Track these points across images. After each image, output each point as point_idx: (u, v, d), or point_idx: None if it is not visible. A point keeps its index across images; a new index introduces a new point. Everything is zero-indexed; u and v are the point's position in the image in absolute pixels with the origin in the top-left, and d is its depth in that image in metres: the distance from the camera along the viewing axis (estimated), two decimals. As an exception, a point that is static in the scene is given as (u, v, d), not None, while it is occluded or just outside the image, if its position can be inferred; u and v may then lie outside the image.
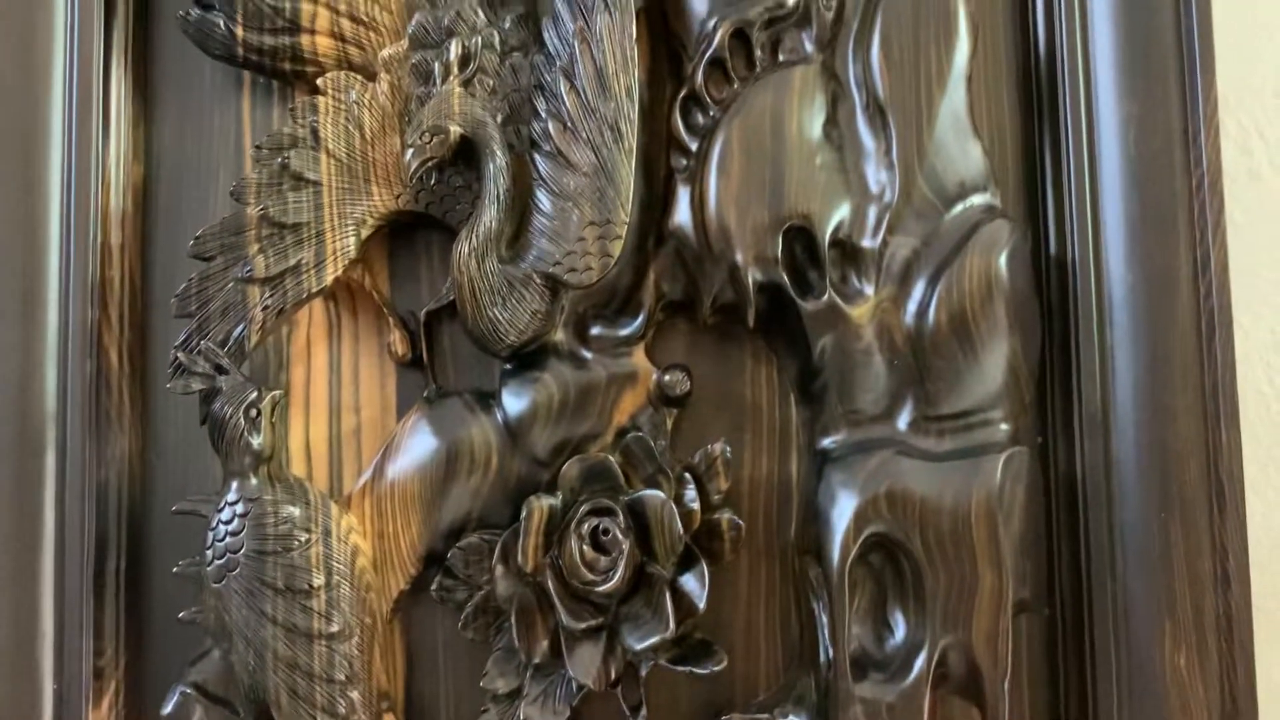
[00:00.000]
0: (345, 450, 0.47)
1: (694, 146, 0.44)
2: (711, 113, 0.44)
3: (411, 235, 0.47)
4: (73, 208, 0.45)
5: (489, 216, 0.43)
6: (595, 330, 0.45)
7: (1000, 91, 0.47)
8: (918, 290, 0.43)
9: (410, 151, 0.43)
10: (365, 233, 0.44)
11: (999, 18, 0.47)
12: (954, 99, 0.43)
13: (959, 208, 0.43)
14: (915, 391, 0.43)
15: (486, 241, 0.43)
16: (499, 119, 0.44)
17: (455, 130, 0.43)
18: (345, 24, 0.45)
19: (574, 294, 0.44)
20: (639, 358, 0.45)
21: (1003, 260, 0.43)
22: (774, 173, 0.43)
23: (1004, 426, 0.43)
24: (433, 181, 0.44)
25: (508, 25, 0.46)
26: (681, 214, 0.44)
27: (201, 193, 0.47)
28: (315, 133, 0.44)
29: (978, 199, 0.43)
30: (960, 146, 0.43)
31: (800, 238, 0.43)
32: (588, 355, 0.45)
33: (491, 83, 0.45)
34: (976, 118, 0.44)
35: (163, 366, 0.46)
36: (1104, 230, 0.45)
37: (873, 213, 0.43)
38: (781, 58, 0.44)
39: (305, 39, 0.45)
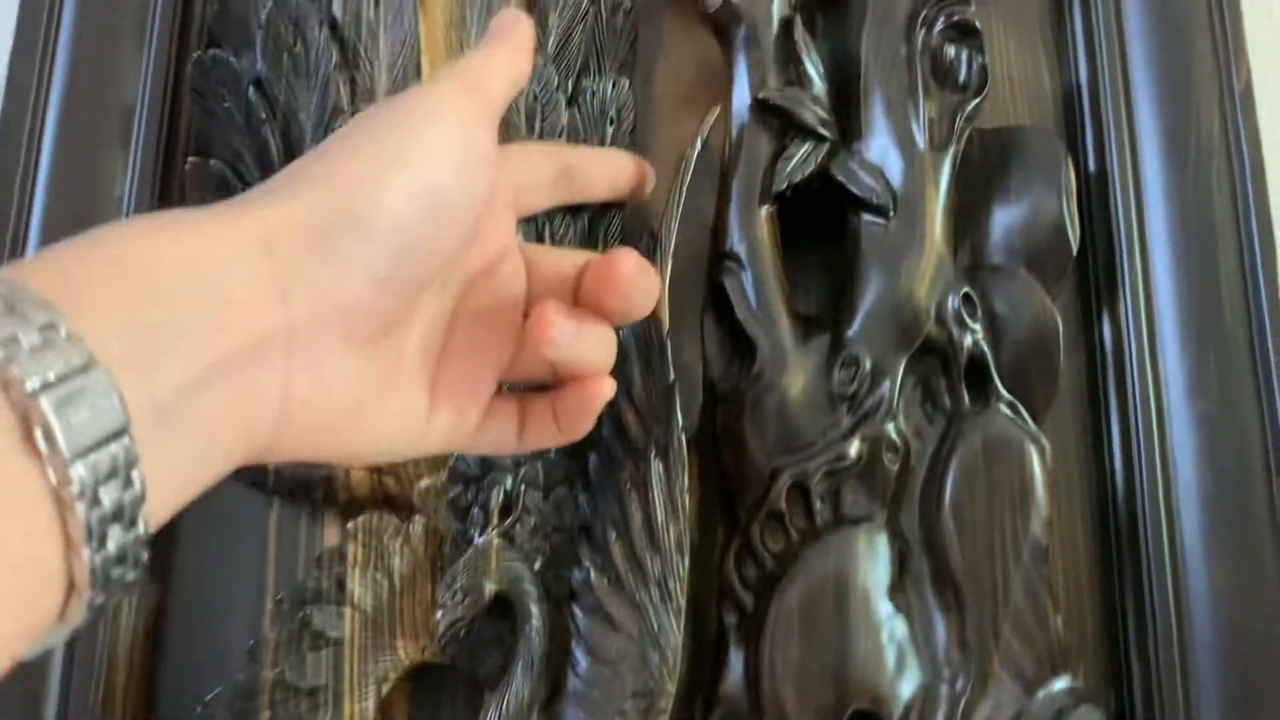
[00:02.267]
0: None
1: (749, 602, 0.41)
2: (768, 567, 0.41)
3: (437, 679, 0.43)
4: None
5: (520, 685, 0.39)
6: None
7: (1078, 556, 0.43)
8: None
9: (441, 611, 0.39)
10: (386, 689, 0.41)
11: (1073, 474, 0.44)
12: (1031, 573, 0.40)
13: (1040, 695, 0.39)
14: None
15: (518, 713, 0.39)
16: (538, 565, 0.41)
17: (490, 589, 0.40)
18: (382, 457, 0.43)
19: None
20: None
21: (1093, 753, 0.38)
22: (838, 647, 0.39)
23: None
24: (462, 634, 0.41)
25: (553, 456, 0.43)
26: (734, 681, 0.40)
27: (220, 623, 0.43)
28: (341, 585, 0.41)
29: (1059, 683, 0.39)
30: (1039, 624, 0.40)
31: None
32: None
33: (533, 520, 0.42)
34: (1054, 591, 0.41)
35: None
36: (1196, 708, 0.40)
37: (944, 696, 0.39)
38: (844, 511, 0.41)
39: (340, 472, 0.43)
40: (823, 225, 0.46)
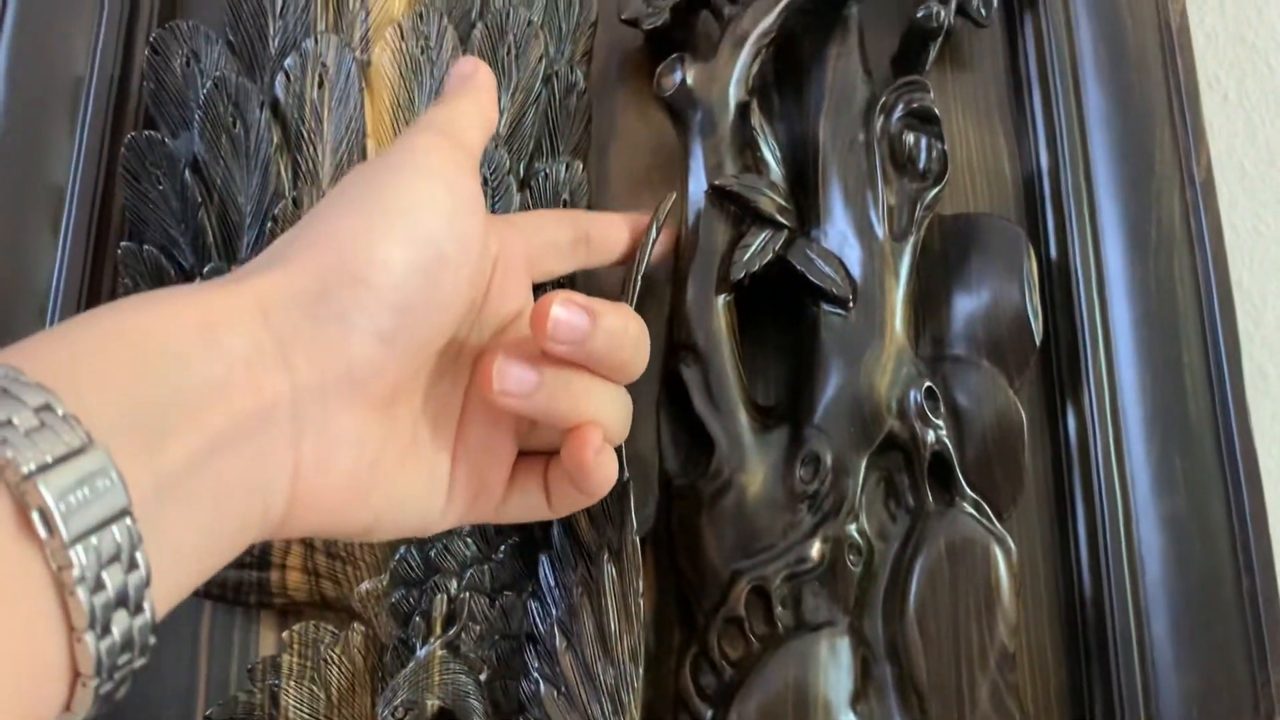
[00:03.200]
0: None
1: (706, 714, 0.39)
2: (726, 676, 0.39)
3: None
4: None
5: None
6: None
7: (1046, 657, 0.42)
8: None
9: (380, 730, 0.37)
10: (320, 812, 0.38)
11: (1040, 571, 0.43)
12: (998, 681, 0.38)
13: (1011, 812, 0.37)
14: None
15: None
16: (484, 675, 0.39)
17: (433, 704, 0.38)
18: (321, 559, 0.41)
19: None
20: None
21: None
22: (798, 764, 0.37)
23: None
24: (404, 751, 0.39)
25: (500, 557, 0.41)
26: (690, 800, 0.38)
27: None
28: (275, 699, 0.38)
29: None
30: (1009, 735, 0.38)
31: (828, 840, 0.37)
32: None
33: (479, 628, 0.40)
34: (1021, 698, 0.39)
35: None
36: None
37: (912, 814, 0.37)
38: (805, 616, 0.40)
39: (275, 574, 0.40)
40: (782, 313, 0.45)
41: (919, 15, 0.46)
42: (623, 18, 0.48)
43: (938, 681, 0.38)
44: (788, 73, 0.48)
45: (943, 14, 0.47)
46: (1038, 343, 0.43)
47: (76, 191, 0.44)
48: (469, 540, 0.41)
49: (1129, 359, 0.44)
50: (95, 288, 0.43)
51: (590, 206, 0.46)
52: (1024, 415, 0.42)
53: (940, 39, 0.47)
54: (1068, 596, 0.43)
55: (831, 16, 0.47)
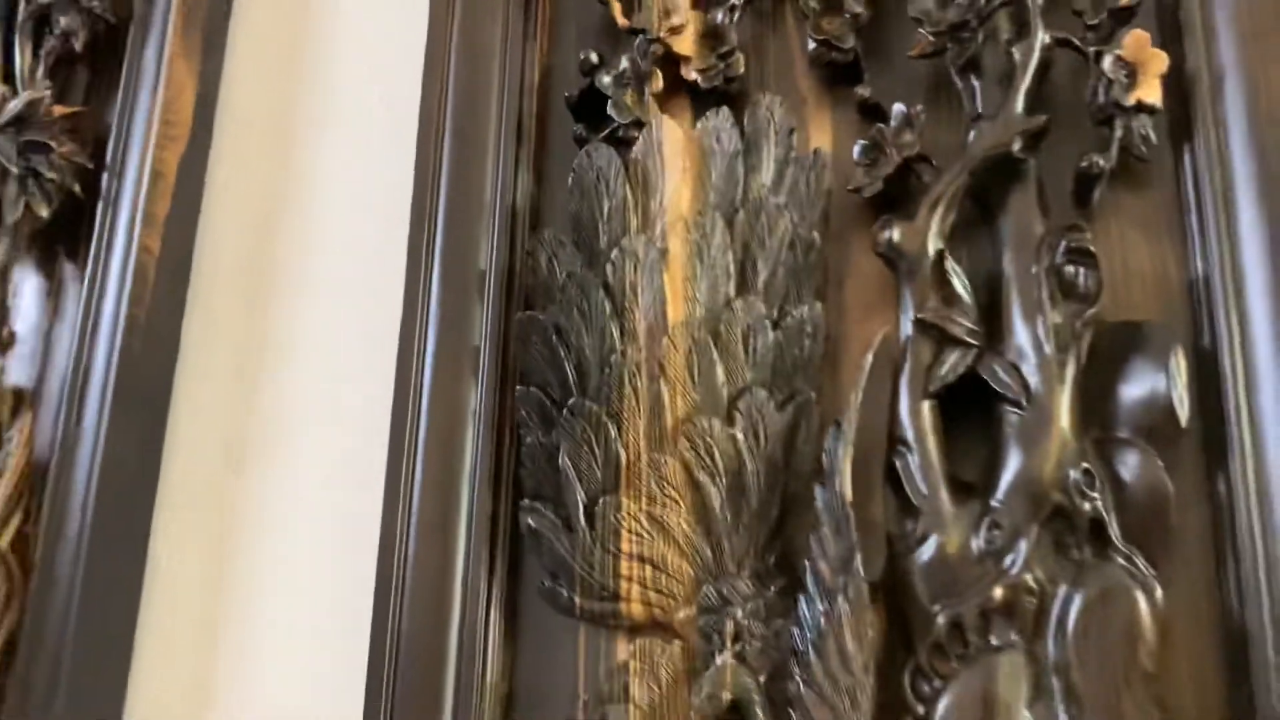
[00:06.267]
0: None
1: (920, 711, 0.55)
2: (935, 684, 0.55)
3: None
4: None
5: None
6: None
7: (1206, 683, 0.54)
8: None
9: (694, 713, 0.56)
10: (656, 766, 0.58)
11: (1201, 608, 0.54)
12: (1141, 694, 0.51)
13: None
14: None
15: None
16: (763, 678, 0.57)
17: (726, 696, 0.56)
18: (652, 596, 0.60)
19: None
20: None
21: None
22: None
23: None
24: (711, 727, 0.58)
25: (771, 594, 0.59)
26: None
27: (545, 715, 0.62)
28: (626, 689, 0.59)
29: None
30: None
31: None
32: None
33: (759, 645, 0.58)
34: (1164, 706, 0.51)
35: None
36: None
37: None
38: (992, 641, 0.54)
39: (624, 606, 0.61)
40: (980, 410, 0.59)
41: (1082, 165, 0.59)
42: (849, 188, 0.64)
43: (1092, 692, 0.51)
44: (980, 216, 0.62)
45: (1101, 163, 0.59)
46: (1183, 425, 0.54)
47: (487, 350, 0.66)
48: (749, 582, 0.59)
49: (1275, 439, 0.54)
50: (501, 418, 0.65)
51: (829, 333, 0.63)
52: (1170, 486, 0.54)
53: (1104, 179, 0.59)
54: (1224, 627, 0.54)
55: (1012, 169, 0.60)
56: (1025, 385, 0.57)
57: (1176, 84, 0.61)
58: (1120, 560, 0.53)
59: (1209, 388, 0.57)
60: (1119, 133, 0.59)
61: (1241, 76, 0.59)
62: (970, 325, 0.58)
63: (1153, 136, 0.59)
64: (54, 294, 0.82)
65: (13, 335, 0.81)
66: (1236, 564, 0.54)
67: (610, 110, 0.67)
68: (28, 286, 0.82)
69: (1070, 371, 0.56)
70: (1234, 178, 0.58)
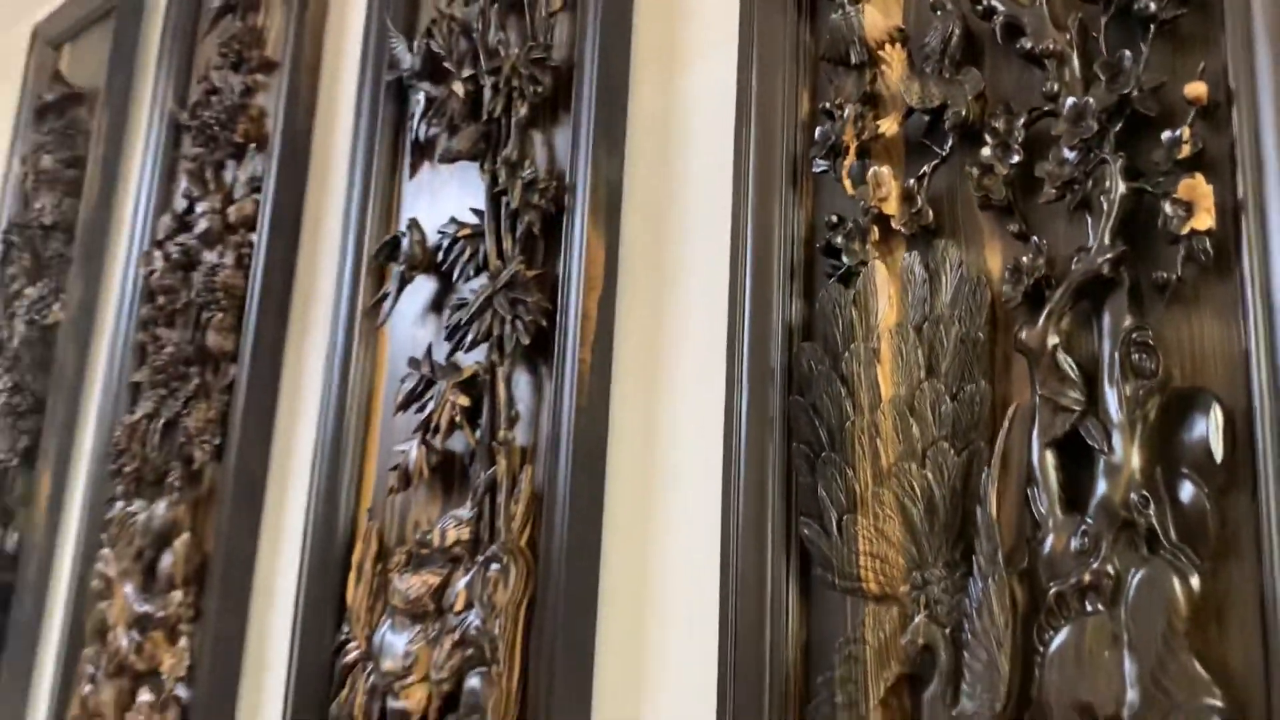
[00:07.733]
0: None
1: (1040, 649, 0.84)
2: (1049, 634, 0.84)
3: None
4: None
5: (942, 679, 0.88)
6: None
7: (1254, 654, 0.78)
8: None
9: (901, 650, 0.90)
10: (884, 688, 0.92)
11: (1249, 600, 0.79)
12: (1178, 642, 0.77)
13: (1186, 706, 0.76)
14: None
15: (941, 694, 0.88)
16: (948, 630, 0.89)
17: (921, 642, 0.89)
18: (881, 578, 0.95)
19: (983, 726, 0.86)
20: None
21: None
22: (1077, 674, 0.81)
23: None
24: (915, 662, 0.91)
25: (955, 578, 0.91)
26: (1034, 687, 0.84)
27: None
28: (863, 636, 0.93)
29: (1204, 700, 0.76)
30: (1182, 670, 0.77)
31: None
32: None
33: (944, 608, 0.90)
34: (1195, 650, 0.77)
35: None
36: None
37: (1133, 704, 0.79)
38: (1086, 608, 0.82)
39: (863, 585, 0.95)
40: (1083, 452, 0.86)
41: (1154, 276, 0.84)
42: (1003, 300, 0.93)
43: (1143, 643, 0.79)
44: (1090, 312, 0.88)
45: (1166, 275, 0.84)
46: (1219, 460, 0.79)
47: (778, 422, 1.04)
48: (940, 569, 0.92)
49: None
50: (788, 466, 1.03)
51: (992, 403, 0.93)
52: (1209, 503, 0.79)
53: (1171, 285, 0.84)
54: (1261, 604, 0.78)
55: (1105, 283, 0.87)
56: (1109, 436, 0.84)
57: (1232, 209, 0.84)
58: (1168, 555, 0.79)
59: (1257, 430, 0.80)
60: (1181, 252, 0.83)
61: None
62: (1076, 397, 0.86)
63: (1210, 251, 0.83)
64: (537, 388, 1.32)
65: (517, 414, 1.32)
66: (1270, 560, 0.77)
67: (844, 256, 1.02)
68: (521, 384, 1.33)
69: (1139, 430, 0.83)
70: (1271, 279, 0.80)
